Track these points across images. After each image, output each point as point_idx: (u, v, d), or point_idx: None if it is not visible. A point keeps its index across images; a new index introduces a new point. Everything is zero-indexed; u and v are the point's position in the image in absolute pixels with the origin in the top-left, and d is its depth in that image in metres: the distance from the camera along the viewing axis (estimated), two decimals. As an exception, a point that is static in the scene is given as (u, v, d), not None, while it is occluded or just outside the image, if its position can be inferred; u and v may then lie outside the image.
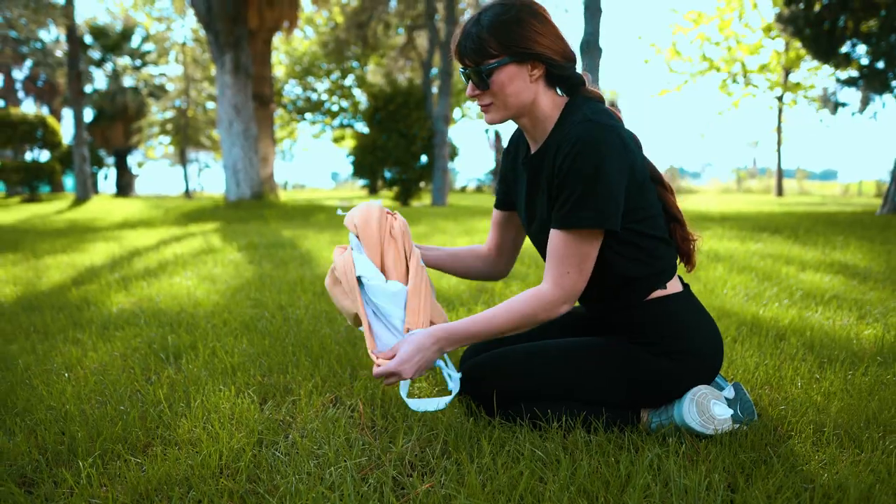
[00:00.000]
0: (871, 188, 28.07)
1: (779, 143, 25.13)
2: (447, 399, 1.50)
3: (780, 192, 25.12)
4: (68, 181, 34.83)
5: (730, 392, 1.58)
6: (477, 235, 5.88)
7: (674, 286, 1.57)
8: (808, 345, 2.22)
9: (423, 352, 1.46)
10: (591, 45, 9.68)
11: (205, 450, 1.39)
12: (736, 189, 33.34)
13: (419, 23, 18.21)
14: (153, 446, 1.45)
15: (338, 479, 1.28)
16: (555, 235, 1.45)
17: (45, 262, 4.62)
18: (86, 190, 19.35)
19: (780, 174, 25.38)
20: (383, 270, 1.59)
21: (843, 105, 14.96)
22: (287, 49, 28.37)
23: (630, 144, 1.45)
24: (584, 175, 1.39)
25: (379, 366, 1.44)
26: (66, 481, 1.29)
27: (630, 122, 1.70)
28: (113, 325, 2.60)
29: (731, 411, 1.52)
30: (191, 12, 23.67)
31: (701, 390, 1.51)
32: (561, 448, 1.40)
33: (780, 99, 24.13)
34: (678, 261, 1.65)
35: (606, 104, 1.57)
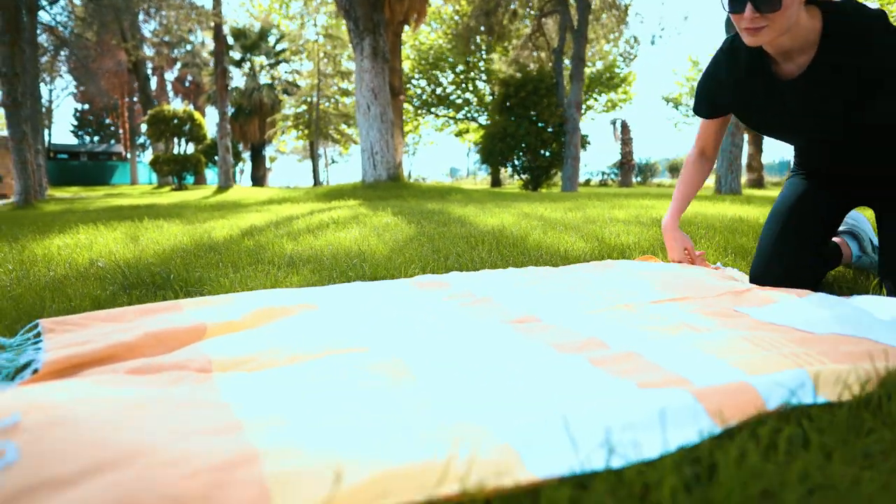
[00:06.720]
0: None
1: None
2: None
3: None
4: (209, 173, 37.35)
5: None
6: (639, 209, 5.52)
7: None
8: None
9: None
10: None
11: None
12: None
13: (549, 9, 17.84)
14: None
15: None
16: None
17: (210, 225, 4.77)
18: (227, 179, 20.56)
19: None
20: None
21: None
22: (413, 43, 28.83)
23: None
24: None
25: None
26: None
27: None
28: (297, 262, 2.54)
29: None
30: (323, 8, 24.59)
31: None
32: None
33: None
34: None
35: None
